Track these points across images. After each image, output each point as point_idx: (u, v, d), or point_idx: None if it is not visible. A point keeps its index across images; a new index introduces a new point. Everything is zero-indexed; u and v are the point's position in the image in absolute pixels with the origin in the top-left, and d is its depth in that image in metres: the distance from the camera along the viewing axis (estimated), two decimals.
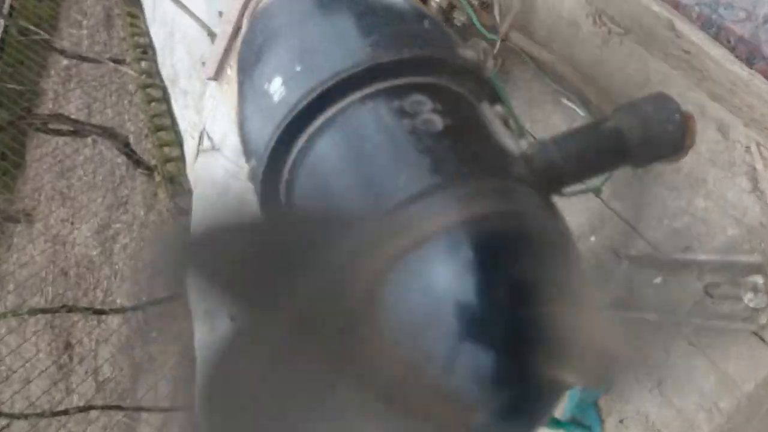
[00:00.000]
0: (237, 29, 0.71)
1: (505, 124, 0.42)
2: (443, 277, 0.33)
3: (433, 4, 0.68)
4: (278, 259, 0.31)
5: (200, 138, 2.24)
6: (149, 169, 4.72)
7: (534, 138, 0.52)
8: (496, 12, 0.68)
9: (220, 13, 0.77)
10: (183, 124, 2.93)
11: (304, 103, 0.40)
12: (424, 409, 0.32)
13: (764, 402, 0.53)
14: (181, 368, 4.09)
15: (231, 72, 0.73)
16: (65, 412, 3.53)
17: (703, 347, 0.53)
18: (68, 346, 5.35)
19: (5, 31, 6.20)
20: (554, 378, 0.35)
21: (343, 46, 0.41)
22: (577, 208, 0.61)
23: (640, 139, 0.42)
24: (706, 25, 0.87)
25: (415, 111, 0.39)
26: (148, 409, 3.63)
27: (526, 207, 0.35)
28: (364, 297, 0.31)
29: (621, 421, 0.58)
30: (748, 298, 0.50)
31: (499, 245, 0.34)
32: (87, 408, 3.56)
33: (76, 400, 4.92)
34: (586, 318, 0.35)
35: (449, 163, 0.36)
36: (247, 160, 0.44)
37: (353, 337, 0.31)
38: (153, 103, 4.86)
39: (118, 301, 4.82)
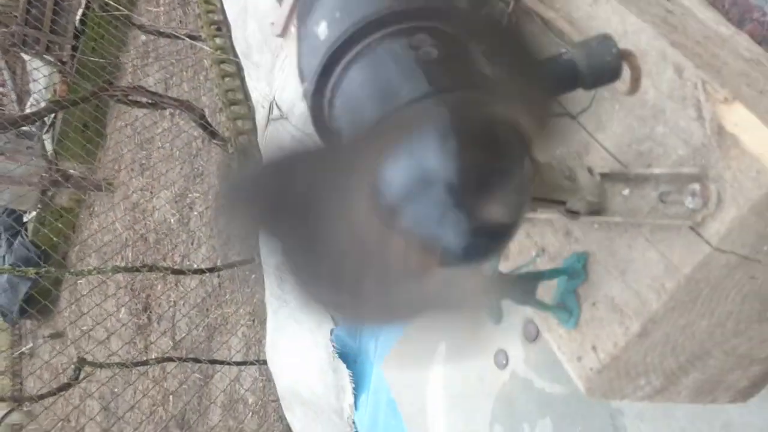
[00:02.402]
0: None
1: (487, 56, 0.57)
2: (432, 152, 0.48)
3: None
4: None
5: (270, 108, 2.43)
6: (224, 141, 4.90)
7: None
8: None
9: None
10: (255, 95, 3.11)
11: (341, 40, 0.56)
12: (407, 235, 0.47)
13: (702, 284, 0.67)
14: (252, 328, 4.31)
15: (293, 30, 0.89)
16: (145, 363, 3.79)
17: (656, 242, 0.68)
18: (147, 307, 5.64)
19: (87, 6, 6.46)
20: (503, 224, 0.50)
21: None
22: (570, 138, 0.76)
23: (585, 67, 0.57)
24: None
25: (418, 45, 0.54)
26: (222, 362, 3.86)
27: (494, 109, 0.50)
28: (372, 162, 0.47)
29: (593, 304, 0.73)
30: (689, 201, 0.64)
31: (472, 134, 0.48)
32: (165, 359, 3.80)
33: (154, 356, 5.22)
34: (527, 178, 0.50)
35: (439, 78, 0.51)
36: (302, 83, 0.60)
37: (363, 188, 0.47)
38: (227, 78, 5.02)
39: (195, 265, 5.06)
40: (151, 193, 6.25)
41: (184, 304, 5.17)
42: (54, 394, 3.84)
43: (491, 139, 0.48)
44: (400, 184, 0.48)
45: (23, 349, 8.02)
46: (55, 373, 6.77)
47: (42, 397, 3.88)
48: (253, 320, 4.44)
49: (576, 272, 0.71)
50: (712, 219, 0.62)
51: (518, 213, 0.51)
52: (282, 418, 3.19)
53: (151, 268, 3.94)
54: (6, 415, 5.61)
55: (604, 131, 0.72)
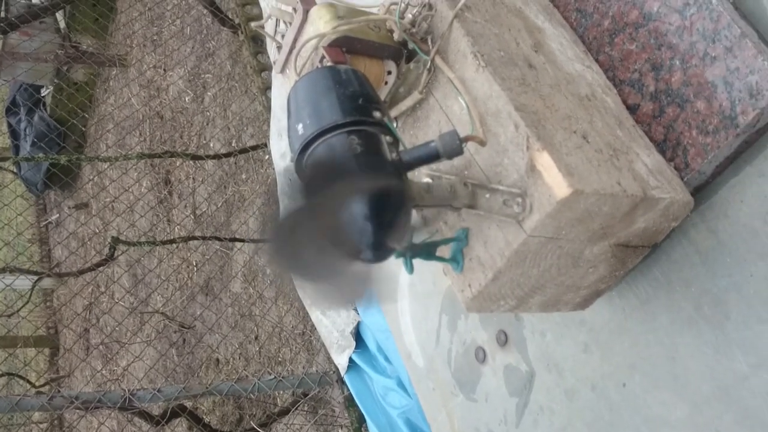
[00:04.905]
0: (292, 48, 1.36)
1: (391, 144, 1.06)
2: (358, 207, 0.99)
3: (395, 36, 1.32)
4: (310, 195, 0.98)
5: (276, 23, 2.81)
6: (233, 27, 5.20)
7: (404, 146, 1.14)
8: (430, 43, 1.31)
9: (280, 43, 1.41)
10: (263, 5, 3.47)
11: (310, 137, 1.07)
12: (346, 248, 0.99)
13: (526, 252, 1.19)
14: (267, 207, 4.83)
15: (289, 72, 1.38)
16: (172, 241, 4.36)
17: (501, 228, 1.18)
18: (167, 182, 6.15)
19: None
20: (393, 243, 1.02)
21: (327, 112, 1.05)
22: (458, 158, 1.25)
23: (443, 148, 1.06)
24: (577, 25, 1.47)
25: (350, 143, 1.04)
26: (242, 240, 4.42)
27: (393, 184, 1.00)
28: (330, 212, 0.98)
29: (470, 259, 1.25)
30: (516, 207, 1.15)
31: (381, 200, 1.00)
32: (189, 238, 4.38)
33: (177, 231, 5.81)
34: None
35: (362, 165, 1.02)
36: (291, 153, 1.11)
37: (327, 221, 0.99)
38: None
39: (212, 144, 5.51)
40: (165, 70, 6.58)
41: (202, 181, 5.61)
42: (92, 269, 4.45)
43: (386, 201, 1.00)
44: (344, 225, 1.00)
45: (50, 219, 8.56)
46: (81, 243, 7.40)
47: (82, 272, 4.52)
48: (269, 199, 4.91)
49: (462, 240, 1.24)
50: (527, 219, 1.14)
51: (400, 240, 1.03)
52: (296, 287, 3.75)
53: (173, 154, 4.41)
54: (38, 279, 6.16)
55: (479, 154, 1.23)
